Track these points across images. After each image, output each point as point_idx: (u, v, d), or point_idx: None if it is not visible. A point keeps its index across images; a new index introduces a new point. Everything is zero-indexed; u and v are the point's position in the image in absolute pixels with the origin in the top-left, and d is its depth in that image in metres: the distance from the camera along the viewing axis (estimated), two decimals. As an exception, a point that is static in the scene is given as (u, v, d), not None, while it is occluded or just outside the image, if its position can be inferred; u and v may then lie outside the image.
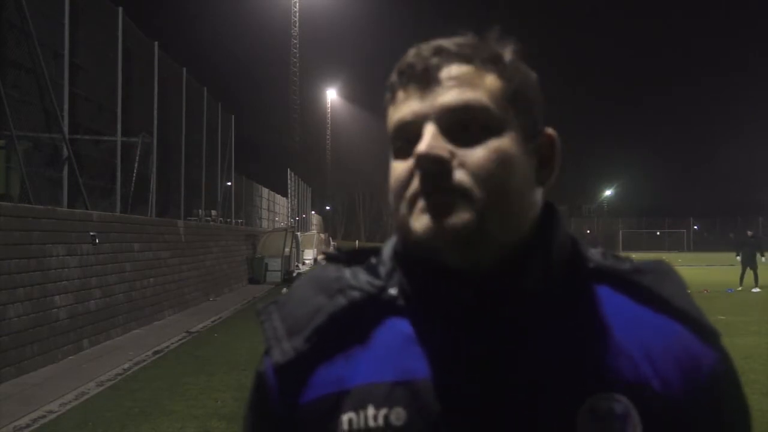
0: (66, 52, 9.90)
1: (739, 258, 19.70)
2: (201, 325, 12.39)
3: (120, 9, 11.84)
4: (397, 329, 0.76)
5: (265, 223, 30.04)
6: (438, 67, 0.74)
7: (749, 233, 20.85)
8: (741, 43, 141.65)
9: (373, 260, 0.82)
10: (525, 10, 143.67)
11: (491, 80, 0.74)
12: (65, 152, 9.87)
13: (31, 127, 9.48)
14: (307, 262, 35.39)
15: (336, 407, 0.75)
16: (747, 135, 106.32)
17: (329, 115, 73.56)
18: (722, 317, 12.53)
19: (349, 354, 0.77)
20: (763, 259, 20.09)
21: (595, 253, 0.80)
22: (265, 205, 30.68)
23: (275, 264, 23.28)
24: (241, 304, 16.31)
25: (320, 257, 0.89)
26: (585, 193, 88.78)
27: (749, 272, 19.13)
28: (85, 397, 7.04)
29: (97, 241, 9.96)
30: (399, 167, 0.75)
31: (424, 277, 0.76)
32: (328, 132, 73.57)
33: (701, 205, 77.79)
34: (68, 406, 6.64)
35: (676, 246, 64.10)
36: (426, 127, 0.72)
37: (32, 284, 8.18)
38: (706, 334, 0.75)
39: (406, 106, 0.75)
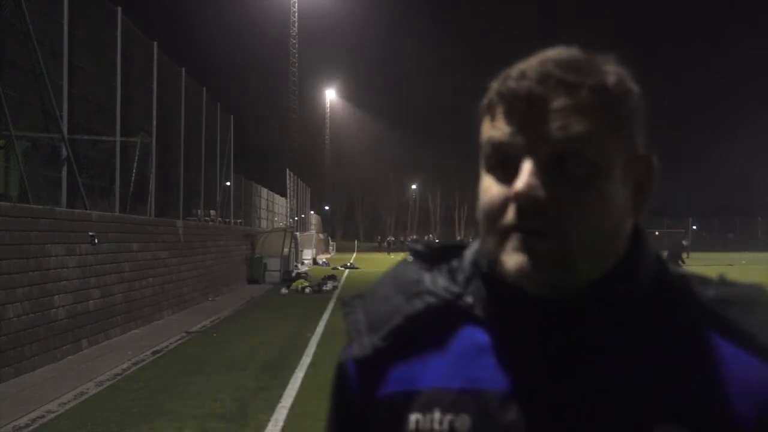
0: (65, 52, 9.89)
1: None
2: (200, 325, 12.38)
3: (119, 9, 11.84)
4: (470, 338, 0.78)
5: (264, 223, 30.00)
6: (543, 99, 0.70)
7: None
8: (741, 42, 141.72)
9: (455, 263, 0.83)
10: (524, 9, 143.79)
11: (597, 112, 0.70)
12: (64, 152, 9.86)
13: (30, 127, 9.50)
14: (305, 261, 35.39)
15: (406, 405, 0.77)
16: (747, 135, 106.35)
17: (328, 115, 73.57)
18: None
19: (422, 356, 0.79)
20: None
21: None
22: (264, 205, 30.63)
23: (274, 264, 23.29)
24: (240, 304, 16.32)
25: (408, 253, 0.87)
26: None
27: None
28: (84, 397, 7.04)
29: (96, 241, 9.96)
30: (492, 190, 0.73)
31: (502, 293, 0.75)
32: (327, 132, 73.57)
33: (700, 205, 77.81)
34: (67, 406, 6.65)
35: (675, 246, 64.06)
36: (525, 162, 0.70)
37: (31, 284, 8.18)
38: None
39: (505, 130, 0.72)
